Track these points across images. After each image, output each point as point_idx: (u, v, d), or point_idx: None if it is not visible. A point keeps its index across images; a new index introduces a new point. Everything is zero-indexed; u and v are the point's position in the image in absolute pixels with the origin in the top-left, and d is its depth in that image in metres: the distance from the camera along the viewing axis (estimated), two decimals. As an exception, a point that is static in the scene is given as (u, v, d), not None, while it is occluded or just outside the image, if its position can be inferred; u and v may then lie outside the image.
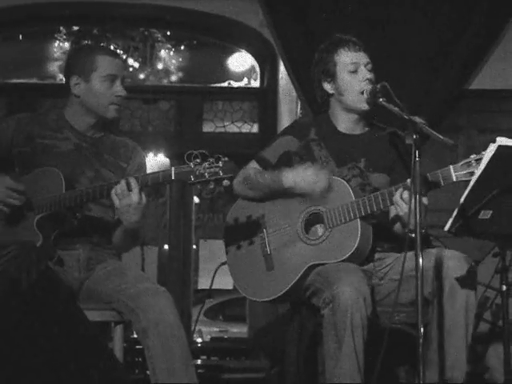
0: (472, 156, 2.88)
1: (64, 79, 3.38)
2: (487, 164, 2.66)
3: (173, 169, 3.00)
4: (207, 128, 7.39)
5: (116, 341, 3.15)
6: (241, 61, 7.42)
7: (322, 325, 3.02)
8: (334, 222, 3.17)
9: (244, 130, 7.42)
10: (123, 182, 3.03)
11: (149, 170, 3.34)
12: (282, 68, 6.53)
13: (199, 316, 5.33)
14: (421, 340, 2.66)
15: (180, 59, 7.45)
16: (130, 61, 7.30)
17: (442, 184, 2.95)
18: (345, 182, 3.20)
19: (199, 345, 7.56)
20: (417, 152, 2.72)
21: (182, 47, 7.45)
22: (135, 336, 4.41)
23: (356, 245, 3.09)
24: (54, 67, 7.30)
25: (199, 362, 6.31)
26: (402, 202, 2.99)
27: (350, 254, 3.10)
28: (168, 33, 7.39)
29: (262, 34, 6.55)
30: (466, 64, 5.23)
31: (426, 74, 5.18)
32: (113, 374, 2.77)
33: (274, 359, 4.82)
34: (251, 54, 7.26)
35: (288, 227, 3.29)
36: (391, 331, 2.84)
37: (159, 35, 7.39)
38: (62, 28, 7.28)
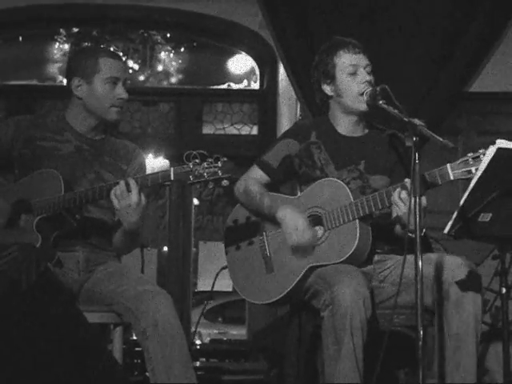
0: (469, 154, 2.89)
1: (65, 81, 3.38)
2: (487, 166, 2.66)
3: (172, 169, 3.00)
4: (207, 130, 7.40)
5: (115, 343, 3.14)
6: (240, 63, 7.43)
7: (321, 327, 3.02)
8: (333, 224, 3.17)
9: (244, 132, 7.43)
10: (122, 183, 3.03)
11: (148, 172, 3.33)
12: (281, 70, 6.55)
13: (200, 318, 5.31)
14: (420, 343, 2.65)
15: (180, 61, 7.46)
16: (130, 63, 7.31)
17: (440, 183, 2.95)
18: (343, 184, 3.20)
19: (198, 347, 7.55)
20: (416, 154, 2.72)
21: (182, 49, 7.46)
22: (135, 338, 4.40)
23: (355, 246, 3.09)
24: (54, 69, 7.31)
25: (198, 363, 6.30)
26: (400, 202, 2.99)
27: (348, 255, 3.10)
28: (168, 35, 7.40)
29: (262, 36, 6.57)
30: (466, 66, 5.23)
31: (426, 76, 5.18)
32: (112, 375, 2.77)
33: (273, 361, 4.82)
34: (251, 56, 7.28)
35: (287, 229, 3.30)
36: (391, 334, 2.84)
37: (159, 37, 7.40)
38: (61, 30, 7.30)
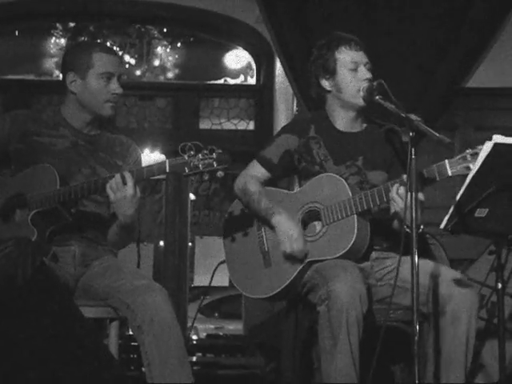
0: (467, 151, 2.89)
1: (61, 76, 3.37)
2: (483, 162, 2.66)
3: (167, 161, 3.00)
4: (203, 125, 7.39)
5: (111, 337, 3.14)
6: (237, 58, 7.43)
7: (317, 321, 3.02)
8: (331, 219, 3.17)
9: (240, 127, 7.43)
10: (118, 176, 3.03)
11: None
12: (278, 65, 6.55)
13: (197, 313, 5.32)
14: (416, 338, 2.66)
15: (176, 56, 7.45)
16: (127, 57, 7.30)
17: (438, 179, 2.95)
18: (342, 179, 3.20)
19: (195, 342, 7.55)
20: (413, 150, 2.72)
21: (179, 44, 7.45)
22: (131, 333, 4.41)
23: (353, 241, 3.10)
24: (51, 63, 7.30)
25: (195, 358, 6.30)
26: (398, 198, 2.99)
27: (346, 250, 3.10)
28: (164, 30, 7.39)
29: (259, 31, 6.56)
30: (463, 62, 5.23)
31: (423, 71, 5.18)
32: (108, 370, 2.76)
33: (270, 356, 4.83)
34: (248, 51, 7.27)
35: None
36: (387, 329, 2.84)
37: (156, 32, 7.39)
38: (58, 24, 7.28)
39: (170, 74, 7.47)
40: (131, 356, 5.41)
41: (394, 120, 3.18)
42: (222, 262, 3.64)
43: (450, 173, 2.92)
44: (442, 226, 2.75)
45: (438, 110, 5.24)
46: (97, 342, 2.81)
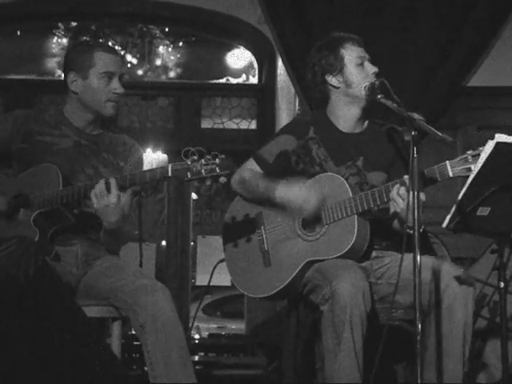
0: (469, 152, 2.89)
1: (62, 75, 3.37)
2: (485, 161, 2.65)
3: (170, 165, 3.00)
4: (205, 124, 7.39)
5: (114, 337, 3.15)
6: (239, 57, 7.42)
7: (320, 321, 3.02)
8: (332, 219, 3.17)
9: (242, 127, 7.42)
10: (102, 182, 3.03)
11: (147, 167, 3.33)
12: (280, 64, 6.53)
13: (197, 312, 5.31)
14: (418, 337, 2.65)
15: (178, 55, 7.44)
16: (129, 57, 7.29)
17: (439, 180, 2.95)
18: (342, 179, 3.20)
19: (197, 341, 7.55)
20: (415, 149, 2.72)
21: (181, 43, 7.44)
22: (133, 332, 4.40)
23: (353, 241, 3.10)
24: (53, 63, 7.29)
25: (197, 358, 6.31)
26: (398, 198, 2.99)
27: (346, 249, 3.10)
28: (166, 29, 7.38)
29: (261, 31, 6.55)
30: (465, 61, 5.23)
31: (425, 70, 5.18)
32: (111, 370, 2.77)
33: (272, 355, 4.83)
34: (249, 50, 7.26)
35: (286, 224, 3.30)
36: (389, 328, 2.84)
37: (157, 31, 7.38)
38: (60, 24, 7.27)
39: (171, 74, 7.46)
40: (134, 355, 5.41)
41: (396, 119, 3.17)
42: (221, 261, 3.63)
43: (451, 174, 2.92)
44: (445, 224, 2.75)
45: (440, 109, 5.24)
46: (99, 341, 2.82)
